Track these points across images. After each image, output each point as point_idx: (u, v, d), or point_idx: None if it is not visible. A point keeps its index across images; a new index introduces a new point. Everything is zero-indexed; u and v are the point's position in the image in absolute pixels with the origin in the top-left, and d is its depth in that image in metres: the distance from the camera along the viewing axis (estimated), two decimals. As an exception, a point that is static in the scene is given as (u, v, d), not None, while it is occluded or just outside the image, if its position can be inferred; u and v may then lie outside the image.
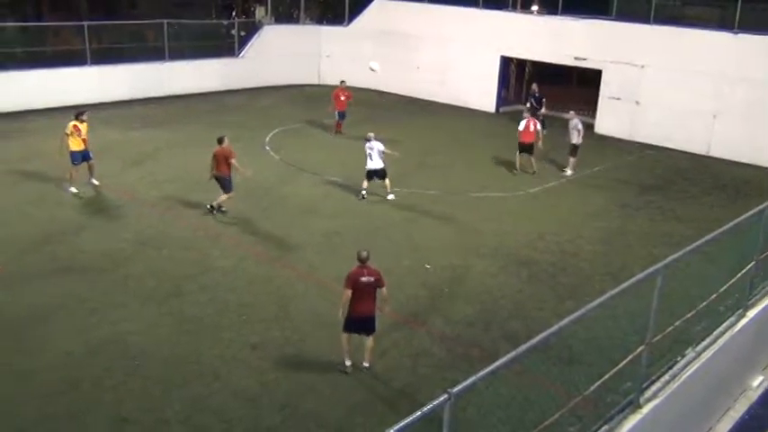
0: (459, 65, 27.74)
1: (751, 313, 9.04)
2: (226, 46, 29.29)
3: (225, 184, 14.70)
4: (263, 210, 15.42)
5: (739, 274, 8.93)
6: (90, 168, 16.05)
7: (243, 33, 29.77)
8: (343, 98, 22.01)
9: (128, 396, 8.75)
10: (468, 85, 27.53)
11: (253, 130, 22.08)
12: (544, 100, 24.40)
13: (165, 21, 26.43)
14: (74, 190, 15.79)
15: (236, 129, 22.23)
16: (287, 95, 28.36)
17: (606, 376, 6.81)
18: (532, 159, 19.03)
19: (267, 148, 20.42)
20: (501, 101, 27.54)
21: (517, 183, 18.30)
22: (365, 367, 9.48)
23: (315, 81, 30.64)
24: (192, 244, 13.42)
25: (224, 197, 14.76)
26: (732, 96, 21.55)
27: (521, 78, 29.73)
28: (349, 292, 9.09)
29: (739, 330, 8.66)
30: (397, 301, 11.07)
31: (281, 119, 23.93)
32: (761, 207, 8.61)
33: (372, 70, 15.82)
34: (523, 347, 5.37)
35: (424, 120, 25.60)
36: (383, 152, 16.05)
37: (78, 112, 16.00)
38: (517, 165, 19.10)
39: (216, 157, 14.52)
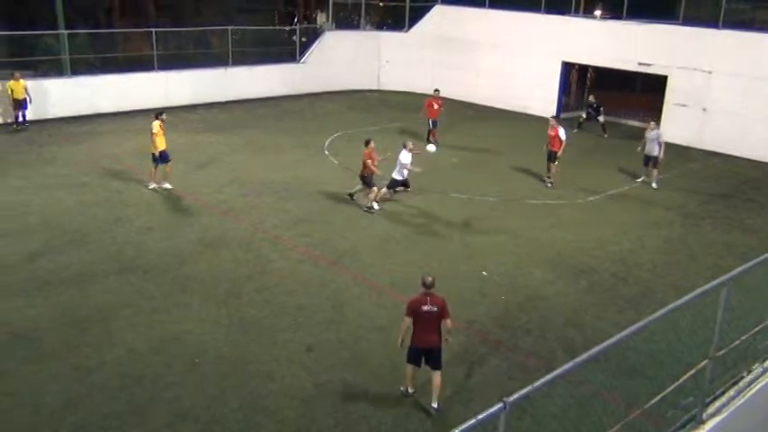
0: (519, 70, 27.49)
1: (823, 329, 8.64)
2: (287, 52, 29.76)
3: (367, 182, 15.73)
4: (320, 213, 15.57)
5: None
6: (156, 170, 16.54)
7: (304, 39, 30.19)
8: (436, 107, 21.95)
9: (186, 393, 8.95)
10: (528, 91, 27.26)
11: (312, 135, 22.36)
12: (602, 108, 24.13)
13: (230, 27, 27.04)
14: (168, 186, 16.50)
15: (296, 133, 22.64)
16: (347, 101, 28.61)
17: (668, 390, 6.60)
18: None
19: (326, 152, 20.62)
20: (561, 107, 27.17)
21: (575, 190, 18.00)
22: (434, 408, 8.68)
23: (374, 86, 30.88)
24: (252, 246, 13.64)
25: (372, 194, 15.76)
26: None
27: (582, 84, 29.31)
28: (408, 320, 8.56)
29: (810, 346, 8.29)
30: (454, 308, 10.97)
31: (341, 124, 24.14)
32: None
33: (430, 152, 16.22)
34: (582, 358, 5.24)
35: (482, 125, 25.46)
36: (404, 165, 15.81)
37: (158, 111, 16.66)
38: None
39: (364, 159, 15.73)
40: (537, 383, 4.82)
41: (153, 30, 25.28)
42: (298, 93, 28.61)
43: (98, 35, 27.75)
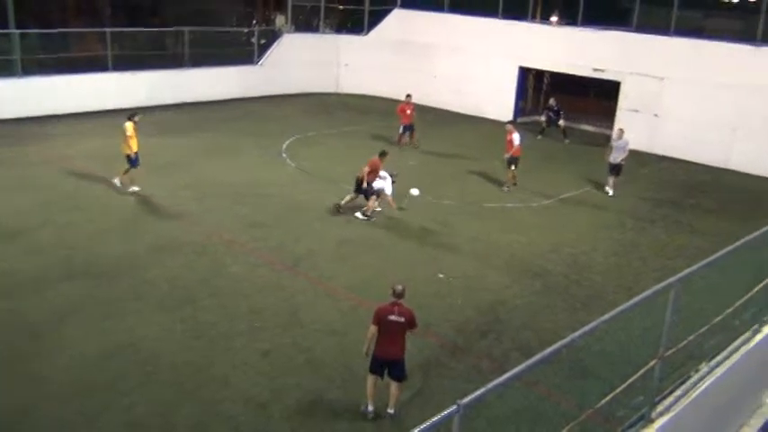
0: (476, 75, 27.75)
1: (767, 328, 8.93)
2: (245, 54, 29.49)
3: (365, 191, 15.58)
4: (277, 217, 15.48)
5: (756, 289, 8.84)
6: (129, 173, 16.41)
7: (262, 41, 29.99)
8: (408, 112, 21.95)
9: (140, 400, 8.80)
10: (485, 96, 27.53)
11: (270, 138, 22.21)
12: (562, 112, 24.48)
13: (186, 28, 26.70)
14: (136, 188, 16.31)
15: (253, 136, 22.47)
16: (305, 104, 28.51)
17: (618, 390, 6.75)
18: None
19: (284, 155, 20.52)
20: (518, 111, 27.50)
21: (531, 194, 18.23)
22: (389, 414, 8.69)
23: (333, 90, 30.83)
24: (206, 250, 13.49)
25: (371, 202, 15.62)
26: (753, 109, 21.39)
27: (539, 89, 29.71)
28: (373, 328, 8.41)
29: (755, 346, 8.57)
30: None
31: (299, 127, 24.04)
32: (778, 221, 8.52)
33: (413, 195, 16.31)
34: (534, 359, 5.34)
35: (440, 129, 25.60)
36: (382, 189, 15.76)
37: (131, 113, 16.44)
38: (515, 179, 18.68)
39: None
40: (490, 385, 4.89)
41: (107, 30, 24.85)
42: (255, 95, 28.37)
43: (51, 35, 27.14)
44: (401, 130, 22.08)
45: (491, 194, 18.15)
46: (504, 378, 5.04)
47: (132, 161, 16.16)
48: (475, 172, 20.04)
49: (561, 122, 24.53)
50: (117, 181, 16.46)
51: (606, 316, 6.07)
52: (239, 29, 33.12)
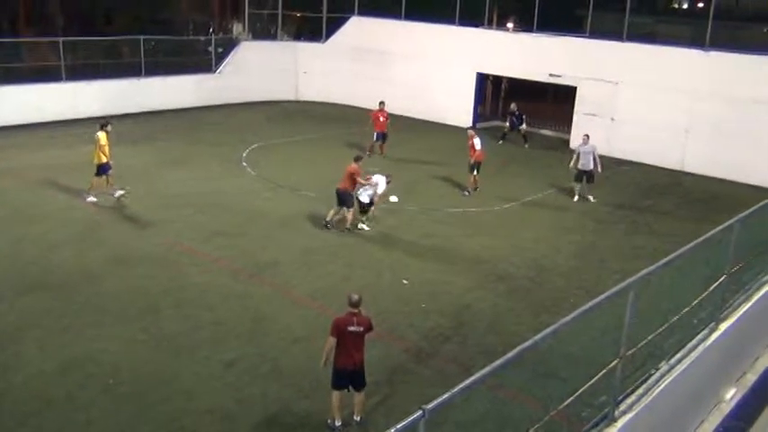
0: (434, 81, 27.93)
1: (723, 326, 9.12)
2: (203, 62, 29.25)
3: (345, 199, 15.11)
4: (239, 226, 15.36)
5: (711, 288, 9.03)
6: (110, 179, 16.27)
7: (220, 49, 29.78)
8: (382, 119, 21.78)
9: (101, 415, 8.63)
10: (443, 101, 27.72)
11: (230, 146, 22.05)
12: (524, 117, 24.76)
13: (142, 37, 26.36)
14: (93, 199, 16.10)
15: (212, 145, 22.27)
16: (264, 112, 28.35)
17: (580, 390, 6.82)
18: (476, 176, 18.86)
19: (244, 164, 20.37)
20: (477, 117, 27.76)
21: (493, 198, 18.40)
22: (356, 421, 8.70)
23: (292, 97, 30.74)
24: (168, 261, 13.32)
25: (350, 214, 15.20)
26: (704, 112, 21.94)
27: (497, 94, 30.04)
28: (332, 340, 8.30)
29: (712, 343, 8.74)
30: (375, 317, 11.00)
31: (259, 135, 23.90)
32: (731, 221, 8.73)
33: (392, 201, 16.35)
34: (498, 362, 5.37)
35: (400, 135, 25.61)
36: (377, 194, 15.60)
37: (103, 122, 16.25)
38: (476, 184, 18.86)
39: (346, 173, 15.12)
40: (455, 389, 4.89)
41: (60, 39, 24.39)
42: (214, 104, 28.12)
43: (1, 44, 26.55)
44: (375, 137, 21.92)
45: (453, 199, 18.27)
46: (469, 382, 5.05)
47: (103, 169, 15.98)
48: (437, 177, 20.15)
49: (523, 127, 24.83)
50: (116, 192, 16.31)
51: (568, 317, 6.14)
52: (196, 37, 32.85)
